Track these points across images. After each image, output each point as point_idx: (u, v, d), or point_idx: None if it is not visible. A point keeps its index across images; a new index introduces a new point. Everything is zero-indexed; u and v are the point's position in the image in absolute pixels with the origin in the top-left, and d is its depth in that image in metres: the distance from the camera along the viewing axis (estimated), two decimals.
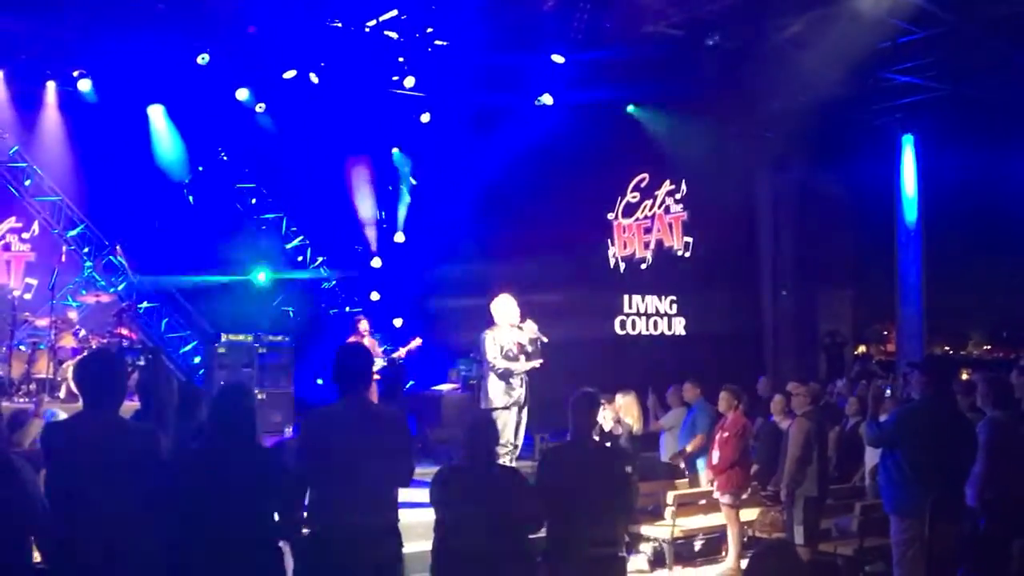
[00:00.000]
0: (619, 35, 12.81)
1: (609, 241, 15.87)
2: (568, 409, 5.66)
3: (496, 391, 9.11)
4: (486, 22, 12.53)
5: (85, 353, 11.60)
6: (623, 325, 15.81)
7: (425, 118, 14.53)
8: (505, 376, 9.13)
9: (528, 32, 12.87)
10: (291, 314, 15.06)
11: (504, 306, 9.34)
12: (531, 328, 9.23)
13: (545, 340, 9.26)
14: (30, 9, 11.29)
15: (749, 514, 9.26)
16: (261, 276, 14.61)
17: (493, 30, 12.70)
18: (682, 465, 10.40)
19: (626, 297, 15.88)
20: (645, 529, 9.03)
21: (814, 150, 16.13)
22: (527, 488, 5.37)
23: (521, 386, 9.24)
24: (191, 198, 14.25)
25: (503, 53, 13.16)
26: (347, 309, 15.19)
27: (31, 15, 11.43)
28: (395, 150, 15.15)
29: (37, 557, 4.66)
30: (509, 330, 9.26)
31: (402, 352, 13.17)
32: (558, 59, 13.41)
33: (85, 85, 12.77)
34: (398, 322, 15.06)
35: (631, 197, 15.98)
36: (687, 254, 16.23)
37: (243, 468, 4.70)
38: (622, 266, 15.95)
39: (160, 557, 4.55)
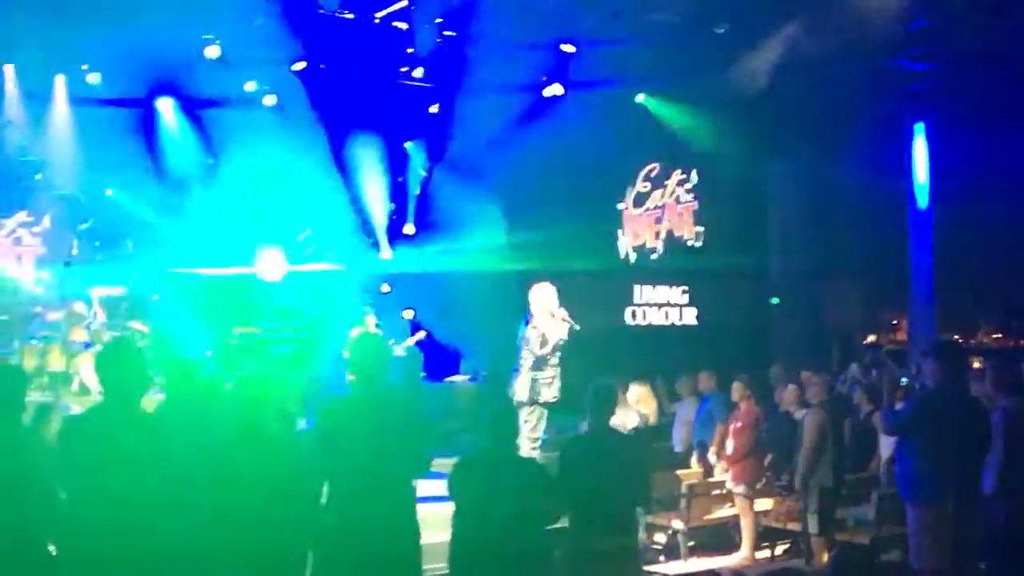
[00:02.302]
0: (629, 24, 12.76)
1: (620, 231, 15.83)
2: (585, 399, 5.67)
3: (524, 386, 9.09)
4: (495, 12, 12.49)
5: (99, 347, 11.67)
6: (634, 315, 15.77)
7: (434, 109, 14.49)
8: (538, 368, 9.10)
9: (537, 22, 12.83)
10: (301, 306, 15.03)
11: (543, 295, 9.30)
12: (563, 314, 9.22)
13: (577, 328, 9.26)
14: (39, 4, 11.28)
15: (764, 504, 9.25)
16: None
17: (502, 20, 12.66)
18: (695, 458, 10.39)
19: (637, 287, 15.84)
20: (659, 519, 9.02)
21: (824, 138, 16.05)
22: (546, 479, 5.36)
23: (553, 382, 9.19)
24: (201, 191, 14.23)
25: (512, 43, 13.13)
26: (357, 301, 15.15)
27: (40, 10, 11.43)
28: (405, 142, 15.11)
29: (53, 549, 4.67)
30: (549, 320, 9.22)
31: (409, 343, 13.18)
32: (568, 48, 13.36)
33: (94, 79, 12.77)
34: (408, 314, 15.04)
35: (641, 187, 15.93)
36: (698, 244, 16.18)
37: (263, 459, 4.69)
38: (633, 256, 15.91)
39: (179, 549, 4.54)
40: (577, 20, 12.87)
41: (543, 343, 9.07)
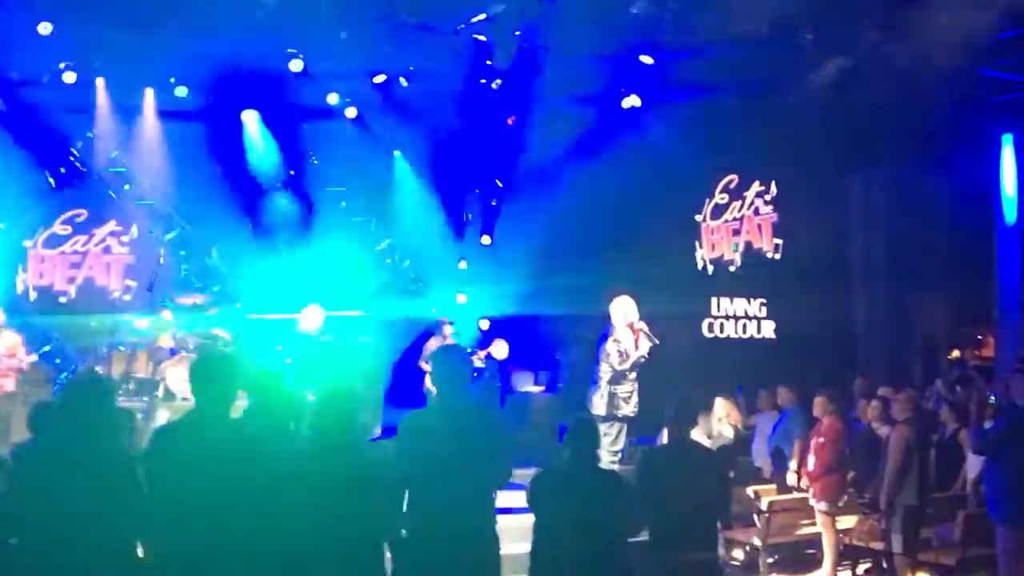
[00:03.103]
0: (708, 34, 12.67)
1: (697, 243, 15.70)
2: (666, 412, 5.64)
3: (602, 399, 9.05)
4: (573, 24, 12.50)
5: (183, 354, 11.93)
6: (711, 328, 15.62)
7: (511, 120, 14.54)
8: (616, 382, 9.07)
9: (616, 33, 12.81)
10: (379, 315, 15.17)
11: (624, 308, 9.29)
12: (643, 327, 9.20)
13: (657, 342, 9.22)
14: (129, 19, 11.59)
15: (846, 522, 9.08)
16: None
17: (580, 32, 12.67)
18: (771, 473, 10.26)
19: (714, 300, 15.69)
20: (738, 534, 8.92)
21: (908, 148, 15.75)
22: (626, 492, 5.34)
23: (632, 397, 9.16)
24: (283, 201, 14.46)
25: (590, 55, 13.13)
26: (433, 311, 15.24)
27: (130, 25, 11.75)
28: (483, 153, 15.17)
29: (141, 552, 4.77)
30: (629, 334, 9.20)
31: (482, 354, 13.22)
32: (646, 60, 13.32)
33: (181, 92, 13.09)
34: (484, 324, 15.09)
35: (719, 198, 15.79)
36: (777, 256, 15.97)
37: (345, 469, 4.74)
38: (710, 268, 15.77)
39: (264, 554, 4.60)
40: (655, 31, 12.82)
41: (624, 358, 9.03)
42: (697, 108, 13.85)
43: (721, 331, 15.68)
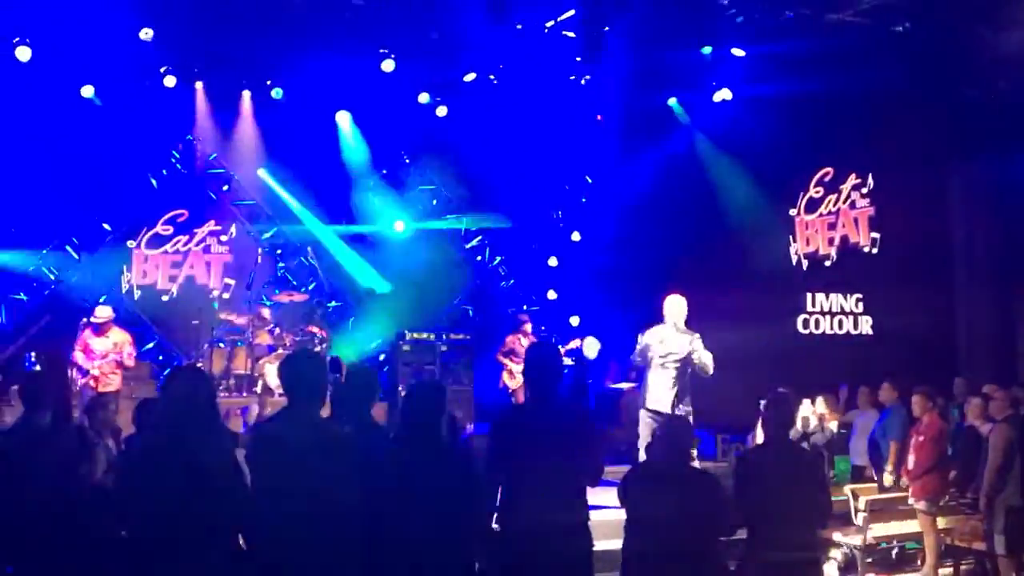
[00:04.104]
0: (802, 25, 12.47)
1: (791, 238, 15.45)
2: (762, 410, 5.57)
3: (666, 396, 8.84)
4: (664, 17, 12.42)
5: (281, 351, 12.19)
6: (806, 324, 15.35)
7: (600, 117, 14.52)
8: (677, 380, 8.87)
9: (707, 26, 12.69)
10: (470, 313, 15.31)
11: (676, 305, 9.08)
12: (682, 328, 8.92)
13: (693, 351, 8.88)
14: (226, 24, 11.90)
15: (947, 522, 8.86)
16: (399, 225, 14.62)
17: (671, 26, 12.58)
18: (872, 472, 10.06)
19: (809, 295, 15.40)
20: (836, 535, 8.76)
21: (1011, 138, 15.24)
22: (720, 491, 5.30)
23: (685, 396, 8.87)
24: (375, 201, 14.67)
25: (681, 48, 13.03)
26: (524, 308, 15.30)
27: (228, 30, 12.06)
28: (572, 150, 15.18)
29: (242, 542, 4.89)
30: (673, 331, 8.95)
31: (563, 350, 13.22)
32: (738, 53, 13.15)
33: (277, 93, 13.38)
34: (575, 320, 15.10)
35: (814, 192, 15.48)
36: (874, 250, 15.58)
37: (436, 465, 4.79)
38: (804, 263, 15.49)
39: (356, 547, 4.68)
40: (745, 23, 12.67)
41: (663, 353, 8.71)
42: (790, 100, 13.61)
43: (816, 327, 15.39)
